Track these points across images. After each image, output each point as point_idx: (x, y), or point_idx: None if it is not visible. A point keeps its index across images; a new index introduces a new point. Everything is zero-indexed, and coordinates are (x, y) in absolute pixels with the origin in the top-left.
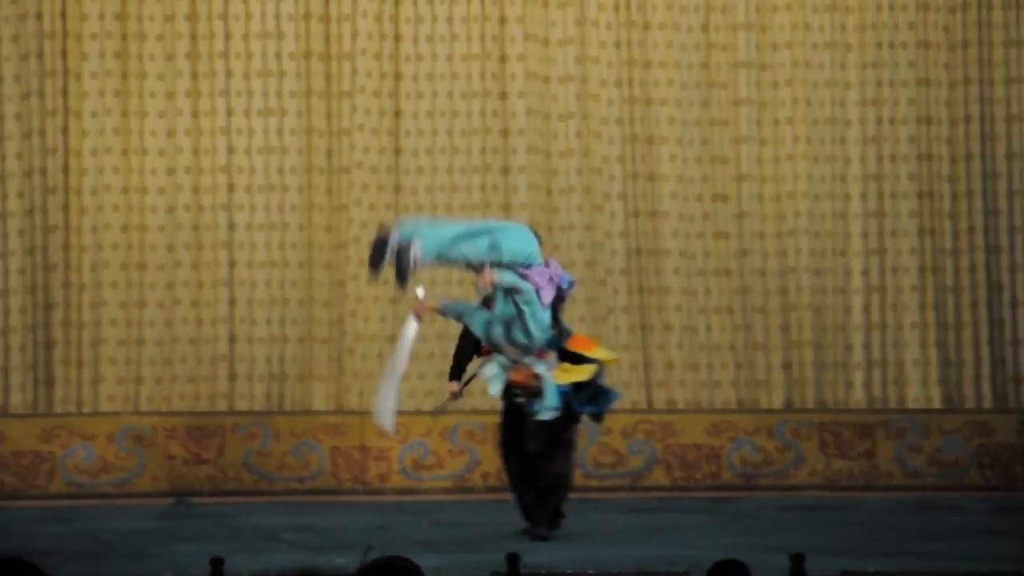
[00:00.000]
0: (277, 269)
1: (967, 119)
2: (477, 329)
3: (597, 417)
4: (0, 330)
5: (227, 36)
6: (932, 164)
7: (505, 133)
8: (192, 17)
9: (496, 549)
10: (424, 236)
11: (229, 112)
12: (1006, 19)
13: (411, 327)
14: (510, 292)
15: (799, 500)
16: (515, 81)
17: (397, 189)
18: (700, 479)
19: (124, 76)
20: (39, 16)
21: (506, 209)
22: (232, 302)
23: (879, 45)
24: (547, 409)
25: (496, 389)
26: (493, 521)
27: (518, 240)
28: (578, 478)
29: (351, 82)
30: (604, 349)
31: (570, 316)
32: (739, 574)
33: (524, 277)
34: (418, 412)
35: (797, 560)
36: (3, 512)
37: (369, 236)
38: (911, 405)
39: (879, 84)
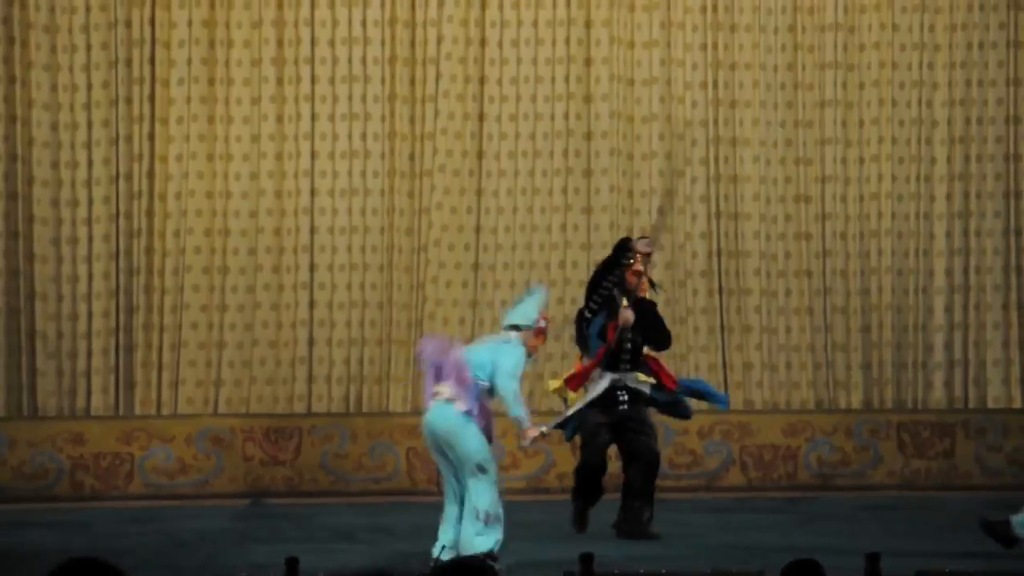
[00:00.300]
0: (357, 272)
1: None
2: None
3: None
4: (83, 333)
5: (313, 42)
6: (1019, 164)
7: (588, 136)
8: (278, 23)
9: (568, 549)
10: None
11: (313, 117)
12: None
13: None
14: None
15: (876, 500)
16: (599, 84)
17: (479, 192)
18: (776, 479)
19: (210, 82)
20: (128, 24)
21: (587, 211)
22: (312, 305)
23: (969, 45)
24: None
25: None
26: (567, 521)
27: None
28: None
29: (435, 86)
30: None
31: None
32: (814, 574)
33: None
34: (494, 414)
35: (873, 559)
36: (83, 513)
37: (449, 239)
38: (991, 405)
39: (968, 84)
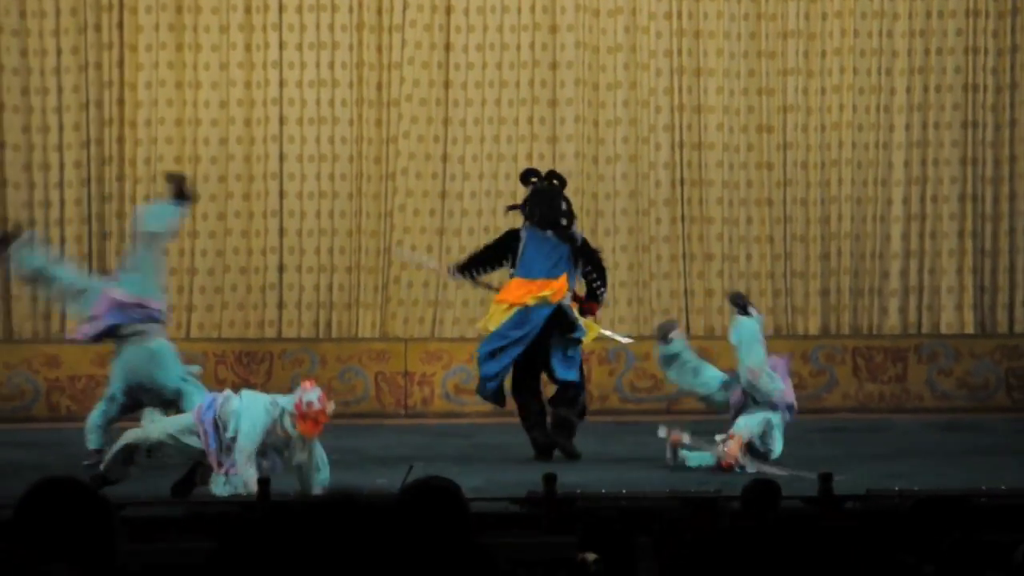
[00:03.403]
0: (326, 200)
1: (1014, 48)
2: None
3: None
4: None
5: (281, 8)
6: (976, 95)
7: (553, 66)
8: None
9: (533, 470)
10: None
11: (281, 45)
12: None
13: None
14: None
15: (830, 422)
16: (565, 13)
17: (446, 121)
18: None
19: (178, 10)
20: None
21: (552, 141)
22: (282, 232)
23: (928, 14)
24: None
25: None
26: (530, 444)
27: None
28: (615, 402)
29: (402, 16)
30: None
31: (611, 245)
32: (772, 493)
33: None
34: (462, 339)
35: (825, 479)
36: (59, 433)
37: (417, 167)
38: (944, 330)
39: (928, 15)
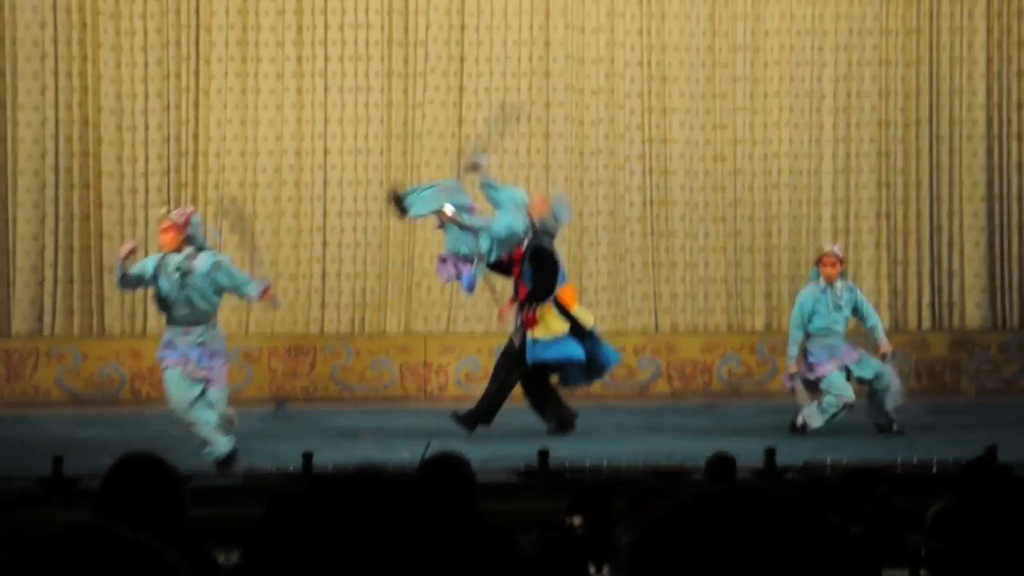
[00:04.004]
0: (361, 218)
1: (918, 92)
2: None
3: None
4: None
5: (326, 27)
6: (889, 129)
7: (547, 105)
8: (298, 12)
9: (530, 446)
10: None
11: (326, 90)
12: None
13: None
14: None
15: (774, 405)
16: (555, 63)
17: (459, 152)
18: (695, 388)
19: (243, 60)
20: (177, 11)
21: (546, 168)
22: (324, 245)
23: (850, 31)
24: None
25: None
26: (528, 423)
27: None
28: (596, 387)
29: (424, 64)
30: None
31: (594, 255)
32: (728, 464)
33: None
34: (471, 334)
35: (770, 453)
36: (140, 414)
37: None
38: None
39: (848, 64)
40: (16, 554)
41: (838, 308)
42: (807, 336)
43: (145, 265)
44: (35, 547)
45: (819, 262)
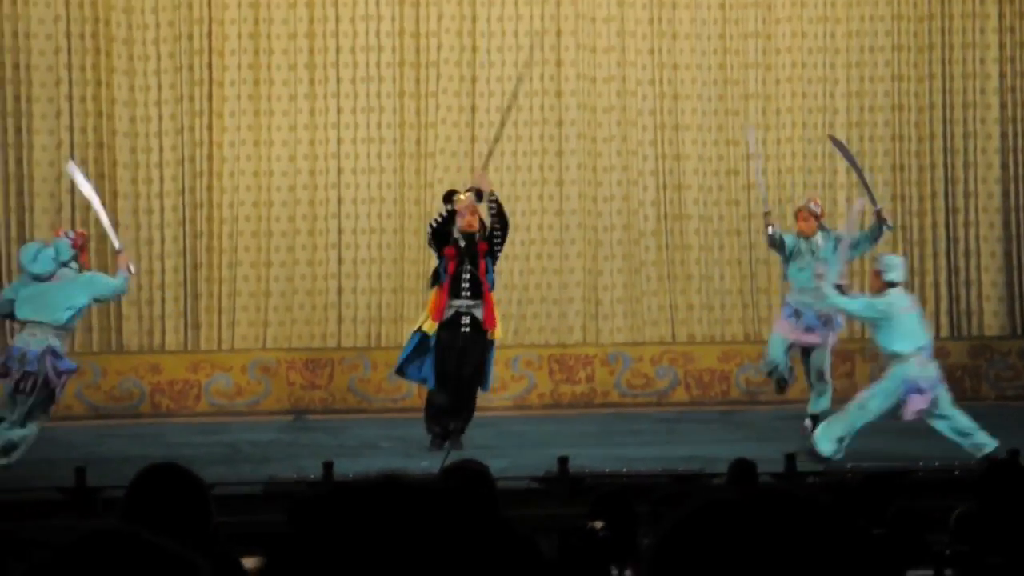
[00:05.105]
0: (376, 235)
1: (931, 106)
2: None
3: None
4: (157, 285)
5: (337, 50)
6: (902, 143)
7: (559, 124)
8: (310, 35)
9: (550, 453)
10: None
11: (339, 110)
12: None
13: None
14: None
15: (791, 412)
16: (567, 82)
17: (472, 169)
18: (713, 396)
19: (255, 83)
20: (190, 37)
21: (559, 184)
22: (340, 261)
23: (861, 49)
24: None
25: None
26: (547, 432)
27: None
28: (613, 395)
29: (436, 84)
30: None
31: (610, 268)
32: (749, 469)
33: None
34: None
35: (790, 458)
36: (160, 427)
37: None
38: None
39: (861, 80)
40: (44, 559)
41: (816, 257)
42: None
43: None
44: (63, 552)
45: (796, 216)
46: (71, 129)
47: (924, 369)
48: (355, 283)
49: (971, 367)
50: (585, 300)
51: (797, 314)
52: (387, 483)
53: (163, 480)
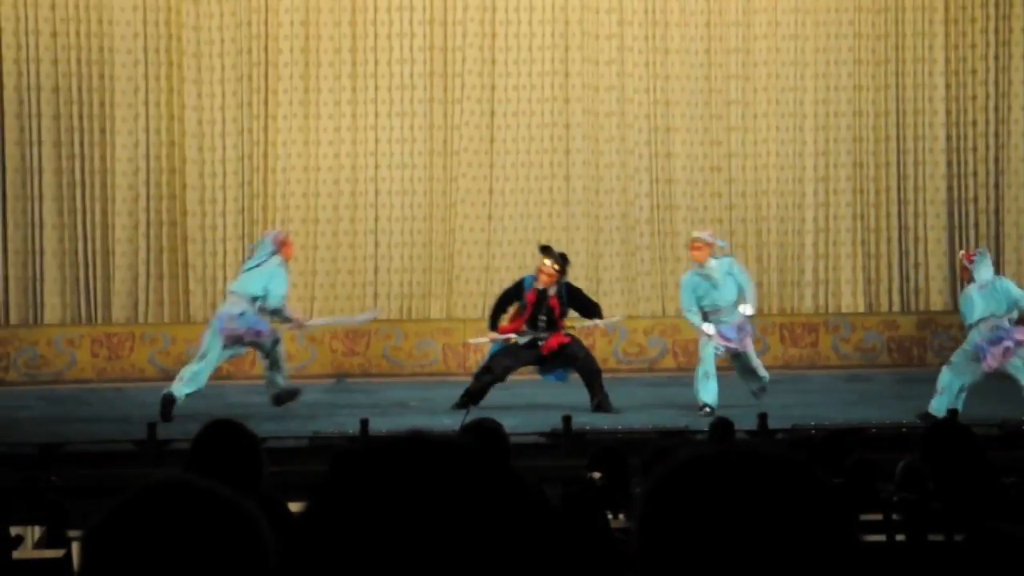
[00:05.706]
0: (408, 222)
1: (887, 112)
2: None
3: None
4: (220, 264)
5: (376, 62)
6: (862, 144)
7: (567, 126)
8: (353, 49)
9: (554, 412)
10: None
11: (376, 114)
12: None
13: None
14: None
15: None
16: (574, 90)
17: (491, 166)
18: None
19: (305, 91)
20: (249, 51)
21: (567, 179)
22: (376, 244)
23: (827, 63)
24: None
25: None
26: (552, 394)
27: None
28: (611, 363)
29: (460, 92)
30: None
31: (610, 252)
32: (727, 427)
33: None
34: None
35: (763, 417)
36: (221, 387)
37: (471, 199)
38: (844, 310)
39: (827, 89)
40: (118, 503)
41: (715, 286)
42: (705, 315)
43: None
44: (134, 498)
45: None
46: (147, 130)
47: None
48: (389, 263)
49: (918, 338)
50: (588, 279)
51: (721, 326)
52: (415, 438)
53: (223, 434)
